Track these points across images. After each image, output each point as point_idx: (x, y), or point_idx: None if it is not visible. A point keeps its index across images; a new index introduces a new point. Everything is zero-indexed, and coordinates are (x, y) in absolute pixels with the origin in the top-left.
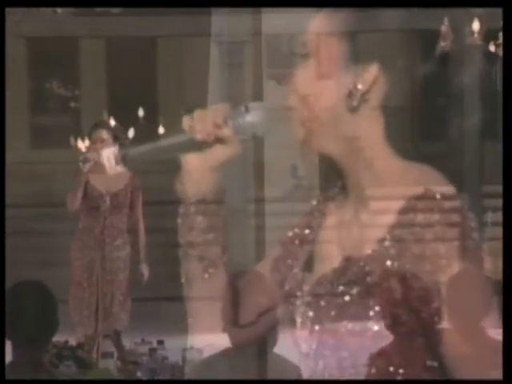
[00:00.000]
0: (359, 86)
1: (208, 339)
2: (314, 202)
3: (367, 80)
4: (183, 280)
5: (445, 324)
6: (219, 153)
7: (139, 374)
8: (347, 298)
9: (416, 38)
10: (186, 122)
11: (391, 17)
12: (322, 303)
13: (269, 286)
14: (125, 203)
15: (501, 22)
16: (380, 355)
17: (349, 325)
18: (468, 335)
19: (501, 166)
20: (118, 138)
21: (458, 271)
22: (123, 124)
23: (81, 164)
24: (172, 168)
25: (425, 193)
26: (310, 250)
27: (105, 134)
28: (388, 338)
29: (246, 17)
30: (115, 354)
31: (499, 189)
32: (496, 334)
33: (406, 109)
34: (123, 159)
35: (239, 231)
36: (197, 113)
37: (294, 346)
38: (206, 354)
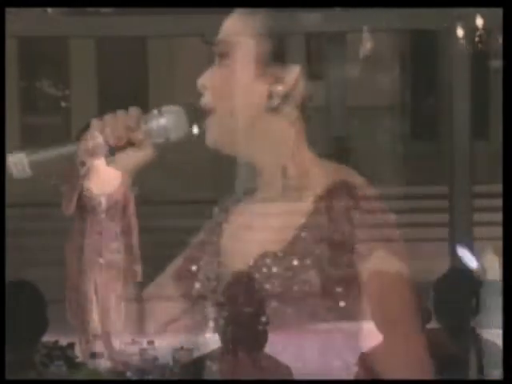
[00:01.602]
0: (279, 87)
1: (199, 340)
2: (217, 207)
3: (288, 81)
4: (92, 286)
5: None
6: (132, 157)
7: (129, 374)
8: (265, 293)
9: (340, 40)
10: (95, 125)
11: (314, 18)
12: (240, 300)
13: (174, 295)
14: (119, 204)
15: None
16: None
17: (269, 321)
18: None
19: (489, 166)
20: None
21: (446, 271)
22: None
23: (79, 167)
24: (159, 168)
25: (341, 183)
26: (215, 251)
27: (97, 136)
28: (310, 332)
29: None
30: (105, 354)
31: (489, 188)
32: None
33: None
34: (32, 165)
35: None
36: (107, 116)
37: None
38: (196, 354)
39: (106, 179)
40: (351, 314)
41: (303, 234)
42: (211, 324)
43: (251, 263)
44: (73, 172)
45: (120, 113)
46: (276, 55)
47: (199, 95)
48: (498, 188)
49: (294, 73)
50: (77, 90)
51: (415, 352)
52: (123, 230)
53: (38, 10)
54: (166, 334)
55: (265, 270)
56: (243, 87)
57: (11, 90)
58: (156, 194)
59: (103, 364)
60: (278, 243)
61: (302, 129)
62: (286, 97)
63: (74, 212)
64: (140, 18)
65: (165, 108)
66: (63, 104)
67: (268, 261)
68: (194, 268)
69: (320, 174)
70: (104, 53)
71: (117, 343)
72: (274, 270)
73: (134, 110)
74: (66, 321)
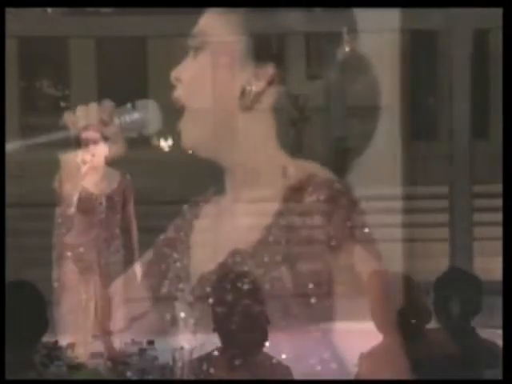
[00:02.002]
0: (253, 86)
1: (199, 339)
2: (187, 205)
3: (262, 79)
4: (55, 283)
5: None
6: (104, 150)
7: (129, 374)
8: (237, 292)
9: (320, 41)
10: (68, 117)
11: (294, 19)
12: (210, 301)
13: (141, 291)
14: (119, 203)
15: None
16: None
17: (240, 321)
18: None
19: (489, 166)
20: (107, 137)
21: (445, 271)
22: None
23: (81, 167)
24: (158, 169)
25: (310, 176)
26: (185, 250)
27: (95, 135)
28: (282, 333)
29: (235, 16)
30: (105, 355)
31: (489, 189)
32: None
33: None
34: None
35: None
36: (80, 108)
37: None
38: (196, 354)
39: (105, 179)
40: (324, 311)
41: (273, 230)
42: (181, 323)
43: (221, 261)
44: (74, 171)
45: (93, 105)
46: (254, 54)
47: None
48: (498, 188)
49: (268, 72)
50: (76, 90)
51: (390, 347)
52: (122, 230)
53: (37, 10)
54: (131, 331)
55: (236, 267)
56: (216, 83)
57: (11, 90)
58: (156, 193)
59: (103, 364)
60: (249, 240)
61: (273, 129)
62: (258, 95)
63: (75, 211)
64: (140, 18)
65: (139, 102)
66: (63, 104)
67: (238, 258)
68: (163, 266)
69: (292, 170)
70: (104, 53)
71: (117, 343)
72: (245, 267)
73: (107, 103)
74: (65, 321)
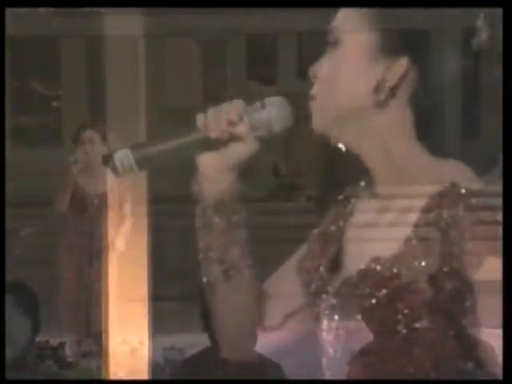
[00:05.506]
0: (387, 81)
1: (189, 339)
2: (340, 197)
3: (396, 74)
4: (205, 284)
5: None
6: (235, 151)
7: (120, 374)
8: (374, 300)
9: (448, 35)
10: (199, 120)
11: (421, 14)
12: (348, 306)
13: (295, 287)
14: (114, 203)
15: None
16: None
17: (376, 328)
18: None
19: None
20: (106, 138)
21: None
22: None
23: (72, 166)
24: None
25: (450, 188)
26: (335, 248)
27: (94, 135)
28: (416, 342)
29: (227, 16)
30: (96, 354)
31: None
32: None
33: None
34: (139, 162)
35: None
36: (211, 110)
37: (319, 351)
38: (187, 353)
39: (100, 178)
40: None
41: (414, 242)
42: (324, 323)
43: (361, 267)
44: (66, 170)
45: (223, 106)
46: (387, 48)
47: (189, 94)
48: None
49: (402, 65)
50: (68, 89)
51: None
52: (117, 229)
53: (28, 10)
54: (285, 327)
55: (372, 276)
56: (350, 78)
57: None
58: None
59: (94, 363)
60: (390, 247)
61: (410, 126)
62: (393, 90)
63: (67, 210)
64: (132, 18)
65: (267, 100)
66: (55, 103)
67: (378, 267)
68: (316, 261)
69: (428, 174)
70: (95, 52)
71: (108, 343)
72: (386, 275)
73: (237, 104)
74: (56, 321)
